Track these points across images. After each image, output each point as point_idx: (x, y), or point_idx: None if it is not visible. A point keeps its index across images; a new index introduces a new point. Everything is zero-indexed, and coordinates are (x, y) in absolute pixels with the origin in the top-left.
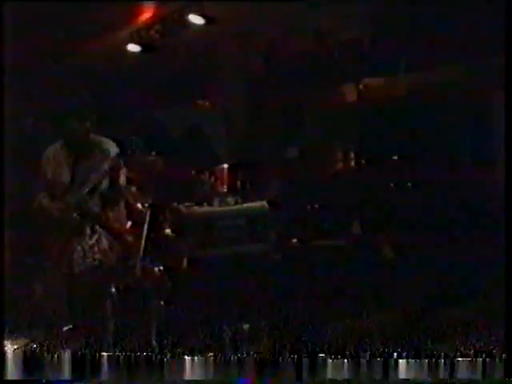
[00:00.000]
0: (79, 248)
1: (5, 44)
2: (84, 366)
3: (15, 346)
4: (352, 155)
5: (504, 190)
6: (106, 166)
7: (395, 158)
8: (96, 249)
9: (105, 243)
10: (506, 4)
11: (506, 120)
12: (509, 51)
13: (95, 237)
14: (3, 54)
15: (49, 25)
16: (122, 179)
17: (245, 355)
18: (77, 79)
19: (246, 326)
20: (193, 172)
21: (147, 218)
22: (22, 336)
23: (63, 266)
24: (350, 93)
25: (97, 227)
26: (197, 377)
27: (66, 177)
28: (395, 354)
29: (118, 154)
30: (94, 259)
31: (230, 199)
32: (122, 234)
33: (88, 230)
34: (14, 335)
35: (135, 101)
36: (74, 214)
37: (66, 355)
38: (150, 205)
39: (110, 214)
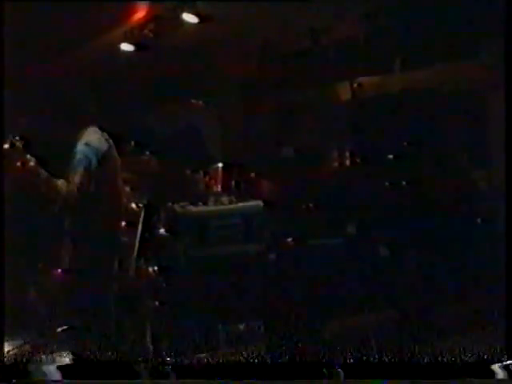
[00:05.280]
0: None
1: None
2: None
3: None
4: (347, 154)
5: (504, 189)
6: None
7: (390, 157)
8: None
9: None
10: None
11: (506, 120)
12: (508, 50)
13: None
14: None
15: (39, 24)
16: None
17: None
18: (69, 79)
19: (241, 326)
20: (187, 171)
21: (141, 218)
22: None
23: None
24: (344, 91)
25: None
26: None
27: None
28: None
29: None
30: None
31: (225, 199)
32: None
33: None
34: None
35: (129, 100)
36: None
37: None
38: (144, 205)
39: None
